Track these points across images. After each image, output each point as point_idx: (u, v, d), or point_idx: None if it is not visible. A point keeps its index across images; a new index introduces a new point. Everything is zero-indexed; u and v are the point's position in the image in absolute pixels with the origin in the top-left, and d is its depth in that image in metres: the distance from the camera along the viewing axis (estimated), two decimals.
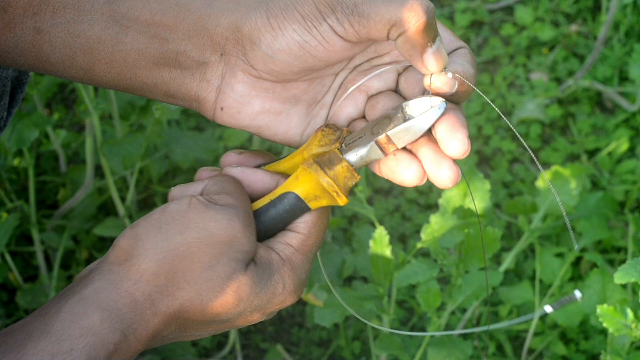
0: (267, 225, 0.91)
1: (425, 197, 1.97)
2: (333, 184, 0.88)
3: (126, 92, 0.95)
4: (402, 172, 0.87)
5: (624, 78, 2.12)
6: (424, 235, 1.46)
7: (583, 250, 1.81)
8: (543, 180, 1.74)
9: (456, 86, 0.87)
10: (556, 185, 1.73)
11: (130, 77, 0.91)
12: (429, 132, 0.87)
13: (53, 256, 1.79)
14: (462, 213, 1.50)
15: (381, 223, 1.81)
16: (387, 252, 1.41)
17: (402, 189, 1.98)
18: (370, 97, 0.93)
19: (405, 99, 0.92)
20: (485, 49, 2.20)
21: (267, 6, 0.87)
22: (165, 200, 1.90)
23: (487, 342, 1.75)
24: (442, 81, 0.86)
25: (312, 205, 0.90)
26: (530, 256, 1.85)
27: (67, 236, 1.77)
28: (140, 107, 1.72)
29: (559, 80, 2.15)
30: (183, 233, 0.87)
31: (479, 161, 2.03)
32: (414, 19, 0.83)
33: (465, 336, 1.74)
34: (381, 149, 0.87)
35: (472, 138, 2.06)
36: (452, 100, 0.88)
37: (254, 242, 0.88)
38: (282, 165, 0.94)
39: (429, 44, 0.85)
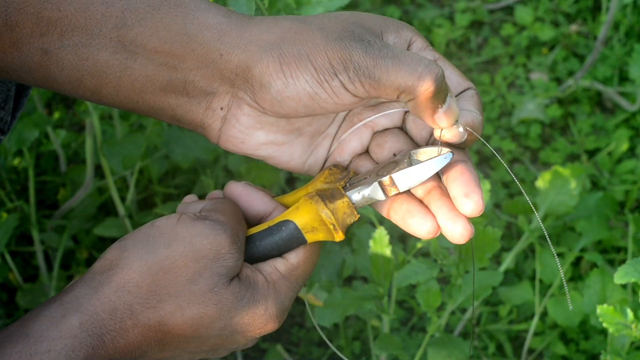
0: (261, 250, 0.92)
1: None
2: (332, 216, 0.89)
3: (133, 113, 0.95)
4: (417, 226, 0.88)
5: (624, 78, 2.12)
6: None
7: (583, 250, 1.81)
8: (543, 180, 1.74)
9: (465, 137, 0.88)
10: (556, 185, 1.73)
11: (137, 100, 0.91)
12: (439, 182, 0.89)
13: (53, 256, 1.79)
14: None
15: (381, 223, 1.81)
16: (387, 252, 1.41)
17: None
18: (376, 134, 0.94)
19: (412, 139, 0.93)
20: (485, 49, 2.20)
21: (280, 51, 0.87)
22: (165, 200, 1.90)
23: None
24: (453, 134, 0.88)
25: (309, 237, 0.91)
26: (530, 256, 1.85)
27: (67, 236, 1.77)
28: None
29: (559, 80, 2.14)
30: (169, 247, 0.87)
31: (479, 161, 2.03)
32: (422, 87, 0.85)
33: (465, 336, 1.74)
34: (383, 191, 0.89)
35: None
36: (460, 146, 0.90)
37: (239, 259, 0.89)
38: (286, 199, 0.95)
39: (440, 106, 0.86)
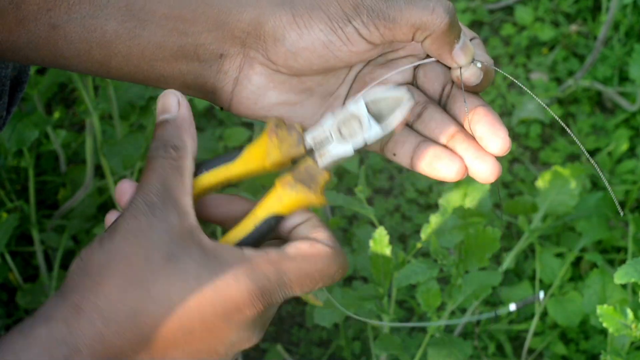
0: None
1: (425, 197, 1.97)
2: (322, 199, 0.86)
3: (142, 84, 0.94)
4: (444, 168, 0.88)
5: (624, 78, 2.12)
6: (424, 235, 1.46)
7: (583, 250, 1.81)
8: (543, 180, 1.74)
9: (482, 76, 0.89)
10: (556, 185, 1.73)
11: (147, 69, 0.90)
12: (460, 127, 0.88)
13: (53, 256, 1.79)
14: (462, 213, 1.50)
15: (381, 223, 1.81)
16: (387, 252, 1.41)
17: (402, 189, 1.97)
18: None
19: (425, 93, 0.93)
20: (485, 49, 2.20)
21: (292, 4, 0.87)
22: None
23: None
24: (472, 72, 0.88)
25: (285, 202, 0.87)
26: (530, 256, 1.85)
27: (67, 236, 1.77)
28: (140, 107, 1.72)
29: (559, 80, 2.14)
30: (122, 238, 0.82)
31: None
32: (437, 20, 0.85)
33: (465, 336, 1.74)
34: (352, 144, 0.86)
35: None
36: (476, 89, 0.90)
37: (170, 214, 0.81)
38: (233, 169, 0.89)
39: (455, 41, 0.87)
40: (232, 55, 0.90)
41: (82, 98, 1.59)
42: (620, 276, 1.21)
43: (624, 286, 1.53)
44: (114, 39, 0.89)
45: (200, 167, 0.89)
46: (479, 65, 0.89)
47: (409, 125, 0.92)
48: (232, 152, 0.89)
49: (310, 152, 0.87)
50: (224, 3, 0.88)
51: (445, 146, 0.89)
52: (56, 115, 1.96)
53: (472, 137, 0.88)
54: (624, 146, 1.99)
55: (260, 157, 0.88)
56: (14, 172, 1.84)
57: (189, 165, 0.86)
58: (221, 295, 0.80)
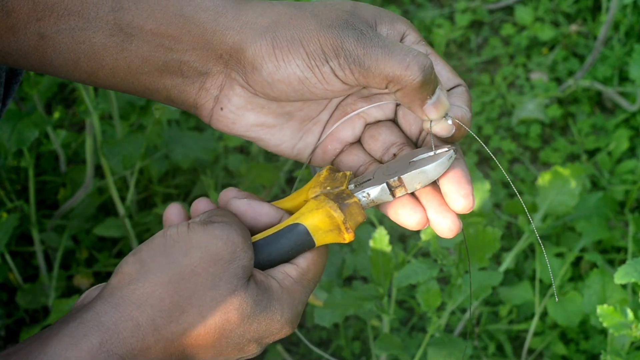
0: (270, 255, 0.91)
1: None
2: (342, 216, 0.89)
3: (129, 94, 0.95)
4: (406, 216, 0.90)
5: (624, 78, 2.12)
6: (424, 235, 1.46)
7: (583, 250, 1.81)
8: (543, 180, 1.74)
9: (454, 130, 0.90)
10: (556, 185, 1.73)
11: (133, 82, 0.92)
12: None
13: (53, 256, 1.79)
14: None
15: (381, 223, 1.81)
16: (387, 252, 1.41)
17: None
18: (369, 125, 0.95)
19: (403, 132, 0.94)
20: (485, 49, 2.20)
21: (273, 34, 0.88)
22: (165, 200, 1.89)
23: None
24: (442, 127, 0.90)
25: (318, 240, 0.90)
26: (530, 256, 1.85)
27: (67, 236, 1.77)
28: (140, 107, 1.72)
29: (559, 80, 2.14)
30: (187, 255, 0.86)
31: (479, 161, 2.03)
32: (410, 77, 0.86)
33: (465, 336, 1.74)
34: (391, 192, 0.89)
35: (472, 138, 2.06)
36: (449, 140, 0.91)
37: (252, 258, 0.89)
38: (285, 204, 0.94)
39: (428, 97, 0.88)
40: (214, 74, 0.91)
41: (82, 98, 1.59)
42: (620, 276, 1.21)
43: (624, 286, 1.53)
44: (102, 52, 0.90)
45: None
46: (449, 122, 0.89)
47: (382, 163, 0.94)
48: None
49: (352, 189, 0.90)
50: (209, 24, 0.89)
51: (412, 194, 0.91)
52: (56, 115, 1.96)
53: (439, 191, 0.90)
54: (624, 146, 1.99)
55: (304, 194, 0.92)
56: (14, 172, 1.84)
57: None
58: (268, 327, 0.89)
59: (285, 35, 0.88)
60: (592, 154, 2.03)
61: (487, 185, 1.58)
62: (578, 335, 1.75)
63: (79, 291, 1.80)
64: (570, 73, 2.14)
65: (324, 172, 0.92)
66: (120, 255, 1.85)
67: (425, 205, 0.90)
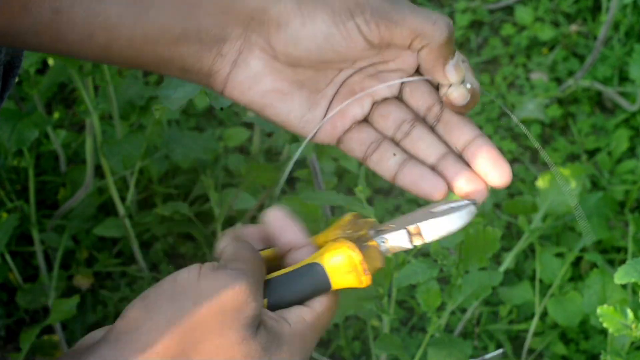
0: (284, 294, 0.89)
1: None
2: (363, 261, 0.87)
3: (142, 68, 0.94)
4: (428, 188, 0.91)
5: (624, 78, 2.12)
6: None
7: (583, 250, 1.81)
8: (543, 180, 1.74)
9: (469, 97, 0.90)
10: (556, 185, 1.73)
11: (149, 53, 0.90)
12: (450, 149, 0.90)
13: (53, 256, 1.79)
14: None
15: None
16: None
17: (402, 189, 1.97)
18: (377, 104, 0.94)
19: (411, 109, 0.94)
20: (485, 49, 2.20)
21: None
22: (165, 200, 1.89)
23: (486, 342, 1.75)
24: (460, 92, 0.90)
25: (334, 282, 0.88)
26: (530, 256, 1.85)
27: (67, 236, 1.77)
28: (140, 107, 1.72)
29: (559, 80, 2.14)
30: (195, 303, 0.84)
31: None
32: (437, 32, 0.87)
33: (465, 336, 1.74)
34: (409, 239, 0.88)
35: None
36: (461, 110, 0.91)
37: (259, 308, 0.85)
38: (316, 240, 0.93)
39: (450, 57, 0.89)
40: (233, 38, 0.90)
41: (82, 98, 1.59)
42: (620, 276, 1.21)
43: (624, 286, 1.53)
44: (118, 23, 0.88)
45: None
46: (468, 86, 0.90)
47: (395, 141, 0.93)
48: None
49: (371, 234, 0.89)
50: None
51: (432, 168, 0.91)
52: (56, 115, 1.96)
53: (462, 161, 0.90)
54: (624, 146, 1.99)
55: (325, 236, 0.91)
56: (14, 172, 1.84)
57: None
58: None
59: None
60: (592, 154, 2.03)
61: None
62: (578, 335, 1.75)
63: (79, 291, 1.80)
64: (570, 73, 2.14)
65: (347, 217, 0.91)
66: (120, 255, 1.85)
67: (450, 177, 0.90)
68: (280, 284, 0.89)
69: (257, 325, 0.84)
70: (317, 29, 0.88)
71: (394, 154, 0.93)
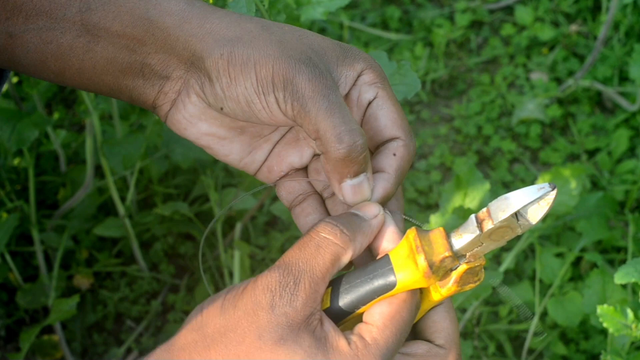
0: (349, 292, 0.84)
1: (425, 197, 1.97)
2: (417, 236, 0.84)
3: (95, 93, 0.96)
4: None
5: (624, 78, 2.12)
6: None
7: (583, 250, 1.81)
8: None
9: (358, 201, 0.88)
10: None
11: (98, 82, 0.92)
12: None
13: (53, 256, 1.79)
14: (462, 213, 1.49)
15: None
16: None
17: (402, 189, 1.97)
18: (316, 157, 0.94)
19: None
20: (485, 49, 2.20)
21: (231, 50, 0.87)
22: (165, 200, 1.89)
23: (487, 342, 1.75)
24: (348, 198, 0.88)
25: (399, 278, 0.83)
26: (530, 256, 1.85)
27: (67, 236, 1.77)
28: (140, 107, 1.72)
29: (559, 80, 2.14)
30: (235, 309, 0.83)
31: (479, 161, 2.03)
32: (335, 146, 0.85)
33: (465, 336, 1.74)
34: (478, 225, 0.83)
35: (472, 138, 2.06)
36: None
37: (299, 305, 0.81)
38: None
39: (348, 177, 0.86)
40: (174, 79, 0.91)
41: (82, 98, 1.59)
42: (620, 276, 1.21)
43: (624, 286, 1.53)
44: (69, 52, 0.90)
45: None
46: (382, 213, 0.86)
47: (322, 198, 0.93)
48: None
49: (460, 257, 0.84)
50: (173, 29, 0.89)
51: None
52: (56, 115, 1.96)
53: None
54: (624, 146, 1.99)
55: (419, 284, 0.84)
56: (14, 172, 1.84)
57: (345, 259, 0.85)
58: None
59: (242, 54, 0.87)
60: (592, 154, 2.03)
61: (487, 185, 1.58)
62: (578, 335, 1.75)
63: (78, 291, 1.80)
64: (570, 73, 2.14)
65: (425, 264, 0.84)
66: (121, 255, 1.85)
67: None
68: (347, 280, 0.85)
69: (297, 326, 0.80)
70: (240, 94, 0.87)
71: (310, 214, 0.91)
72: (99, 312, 1.79)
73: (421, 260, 0.82)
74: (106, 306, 1.80)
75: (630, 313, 1.23)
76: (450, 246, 0.83)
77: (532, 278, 1.80)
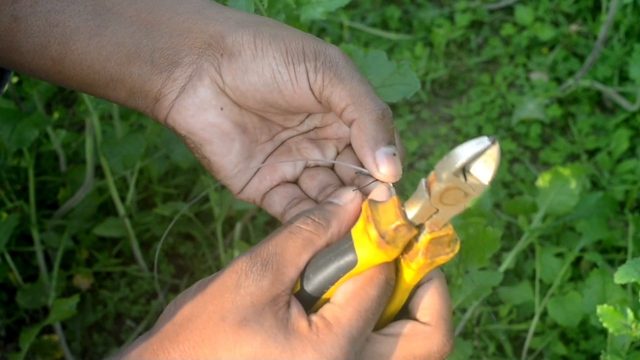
0: (315, 273, 0.83)
1: None
2: (369, 207, 0.81)
3: (86, 92, 0.93)
4: None
5: (624, 78, 2.12)
6: None
7: (583, 250, 1.81)
8: (543, 180, 1.74)
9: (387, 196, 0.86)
10: (556, 185, 1.73)
11: (99, 70, 0.90)
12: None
13: (53, 256, 1.79)
14: (462, 213, 1.49)
15: None
16: None
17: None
18: (308, 168, 0.94)
19: (340, 178, 0.92)
20: (485, 49, 2.20)
21: (257, 27, 0.88)
22: (165, 200, 1.90)
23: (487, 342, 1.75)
24: (381, 192, 0.85)
25: (359, 253, 0.81)
26: (530, 256, 1.85)
27: (67, 236, 1.77)
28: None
29: (559, 80, 2.15)
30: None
31: None
32: (371, 106, 0.85)
33: (465, 336, 1.74)
34: (427, 187, 0.79)
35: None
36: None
37: (264, 287, 0.80)
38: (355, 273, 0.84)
39: (382, 143, 0.85)
40: (185, 64, 0.90)
41: (82, 98, 1.59)
42: (620, 276, 1.21)
43: (624, 286, 1.53)
44: (74, 35, 0.89)
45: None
46: (391, 192, 0.84)
47: (316, 202, 0.91)
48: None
49: (420, 227, 0.81)
50: (192, 14, 0.89)
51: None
52: (56, 115, 1.96)
53: None
54: (624, 146, 1.99)
55: (380, 259, 0.82)
56: (14, 172, 1.84)
57: (319, 243, 0.83)
58: None
59: (269, 31, 0.87)
60: (592, 154, 2.03)
61: (487, 185, 1.58)
62: (578, 335, 1.75)
63: (78, 291, 1.80)
64: (570, 73, 2.14)
65: (381, 240, 0.82)
66: (121, 255, 1.86)
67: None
68: (315, 261, 0.83)
69: (260, 307, 0.79)
70: (267, 65, 0.87)
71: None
72: (99, 312, 1.79)
73: (372, 231, 0.80)
74: (106, 306, 1.80)
75: (630, 313, 1.23)
76: (403, 214, 0.80)
77: (532, 278, 1.80)
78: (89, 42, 0.89)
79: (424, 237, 0.81)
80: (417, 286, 0.85)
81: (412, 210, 0.80)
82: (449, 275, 1.73)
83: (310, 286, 0.82)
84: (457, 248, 0.82)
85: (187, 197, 1.91)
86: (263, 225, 1.90)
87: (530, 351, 1.73)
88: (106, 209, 1.87)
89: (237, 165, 0.92)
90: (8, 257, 1.74)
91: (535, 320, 1.69)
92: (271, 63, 0.87)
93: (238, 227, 1.79)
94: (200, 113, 0.90)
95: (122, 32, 0.89)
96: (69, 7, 0.88)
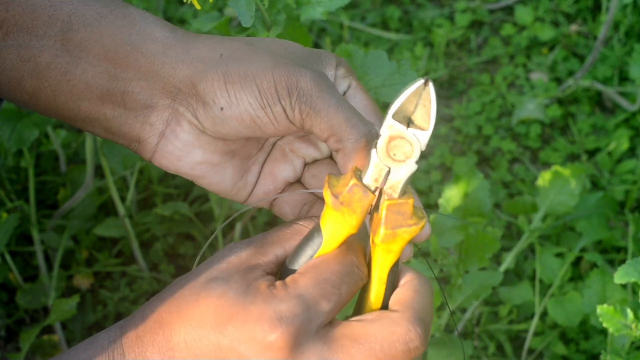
0: (297, 246, 0.85)
1: (425, 197, 1.97)
2: (331, 176, 0.81)
3: (69, 124, 0.93)
4: None
5: (624, 78, 2.12)
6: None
7: (583, 250, 1.81)
8: (543, 180, 1.74)
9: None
10: (556, 185, 1.73)
11: (73, 108, 0.89)
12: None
13: (53, 256, 1.79)
14: (462, 213, 1.49)
15: None
16: None
17: None
18: (309, 165, 0.93)
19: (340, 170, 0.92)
20: (485, 49, 2.20)
21: (225, 69, 0.86)
22: (165, 200, 1.89)
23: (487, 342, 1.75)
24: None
25: (323, 228, 0.82)
26: (530, 256, 1.85)
27: (67, 236, 1.77)
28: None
29: (559, 80, 2.14)
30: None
31: (479, 161, 2.03)
32: (353, 136, 0.84)
33: (465, 336, 1.74)
34: (375, 146, 0.80)
35: (472, 138, 2.06)
36: None
37: (245, 255, 0.82)
38: (324, 251, 0.85)
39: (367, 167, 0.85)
40: (160, 108, 0.89)
41: None
42: (620, 276, 1.21)
43: (624, 286, 1.53)
44: (46, 71, 0.88)
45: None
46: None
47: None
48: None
49: (378, 191, 0.81)
50: (158, 56, 0.88)
51: None
52: None
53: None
54: (624, 146, 1.99)
55: (342, 229, 0.82)
56: (14, 172, 1.84)
57: (305, 233, 0.85)
58: (245, 323, 0.79)
59: (238, 70, 0.85)
60: (592, 154, 2.03)
61: (487, 185, 1.58)
62: (578, 335, 1.75)
63: (78, 291, 1.80)
64: (570, 73, 2.14)
65: (338, 203, 0.82)
66: (121, 255, 1.85)
67: None
68: (295, 247, 0.85)
69: (239, 270, 0.81)
70: (244, 110, 0.85)
71: None
72: (99, 312, 1.79)
73: (327, 193, 0.80)
74: (106, 306, 1.80)
75: (630, 313, 1.23)
76: (357, 176, 0.81)
77: (532, 278, 1.80)
78: (60, 79, 0.88)
79: (382, 205, 0.81)
80: (397, 286, 0.85)
81: (365, 171, 0.81)
82: (448, 275, 1.74)
83: (290, 267, 0.83)
84: (422, 223, 0.80)
85: (187, 197, 1.91)
86: (263, 225, 1.90)
87: (530, 351, 1.73)
88: (106, 209, 1.87)
89: (235, 186, 0.93)
90: (8, 257, 1.74)
91: (535, 320, 1.69)
92: (248, 109, 0.86)
93: (238, 227, 1.79)
94: (186, 156, 0.90)
95: (91, 72, 0.88)
96: (38, 42, 0.88)
